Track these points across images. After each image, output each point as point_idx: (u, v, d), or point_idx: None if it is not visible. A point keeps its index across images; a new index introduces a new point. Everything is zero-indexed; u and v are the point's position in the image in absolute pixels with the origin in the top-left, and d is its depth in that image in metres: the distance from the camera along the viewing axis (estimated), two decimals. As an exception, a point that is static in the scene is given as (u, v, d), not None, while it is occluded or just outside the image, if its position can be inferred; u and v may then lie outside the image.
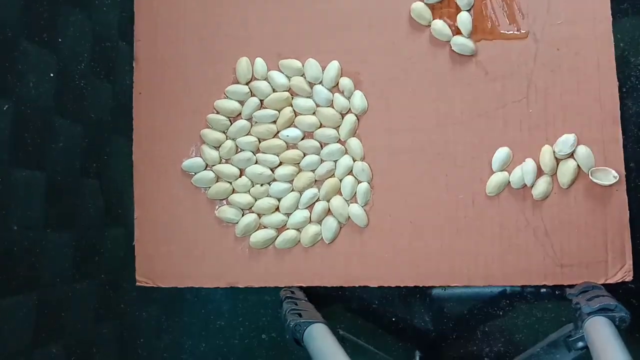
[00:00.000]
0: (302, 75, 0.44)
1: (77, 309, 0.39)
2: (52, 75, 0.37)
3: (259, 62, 0.45)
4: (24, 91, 0.35)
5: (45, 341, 0.36)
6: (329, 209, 0.43)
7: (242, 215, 0.44)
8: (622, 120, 0.42)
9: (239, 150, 0.44)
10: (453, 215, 0.42)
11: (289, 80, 0.44)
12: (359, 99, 0.44)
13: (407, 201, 0.43)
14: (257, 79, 0.45)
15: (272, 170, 0.44)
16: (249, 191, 0.44)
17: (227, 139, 0.44)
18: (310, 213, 0.43)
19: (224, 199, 0.44)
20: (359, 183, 0.43)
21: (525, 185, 0.42)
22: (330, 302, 0.44)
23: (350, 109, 0.44)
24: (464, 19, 0.43)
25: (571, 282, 0.41)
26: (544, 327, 0.42)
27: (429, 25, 0.44)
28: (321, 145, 0.44)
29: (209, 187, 0.44)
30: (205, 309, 0.44)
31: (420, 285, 0.42)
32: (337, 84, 0.44)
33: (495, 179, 0.42)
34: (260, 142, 0.44)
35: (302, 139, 0.44)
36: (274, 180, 0.44)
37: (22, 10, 0.35)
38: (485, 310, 0.43)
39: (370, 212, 0.43)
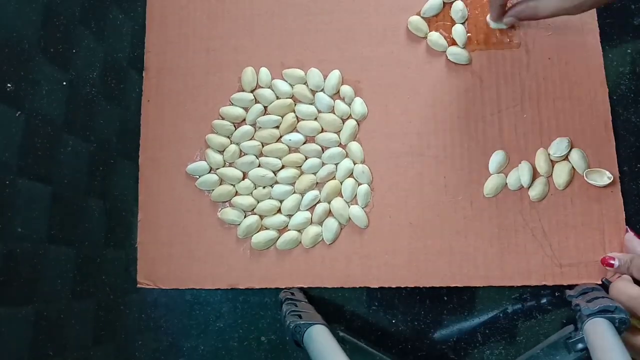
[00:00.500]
0: (304, 84, 0.46)
1: (76, 326, 0.39)
2: (63, 91, 0.38)
3: (264, 72, 0.47)
4: (36, 103, 0.36)
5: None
6: (330, 210, 0.44)
7: (245, 217, 0.45)
8: (615, 126, 0.44)
9: (243, 154, 0.46)
10: (452, 217, 0.43)
11: (292, 88, 0.46)
12: (359, 105, 0.45)
13: (407, 203, 0.44)
14: (262, 87, 0.47)
15: (275, 173, 0.45)
16: (251, 193, 0.45)
17: (231, 144, 0.46)
18: (312, 214, 0.44)
19: (226, 201, 0.45)
20: (359, 185, 0.44)
21: (522, 186, 0.43)
22: (330, 303, 0.44)
23: (350, 114, 0.46)
24: (458, 31, 0.45)
25: (570, 282, 0.41)
26: (544, 329, 0.42)
27: (426, 37, 0.46)
28: (322, 149, 0.45)
29: (213, 190, 0.45)
30: (205, 311, 0.44)
31: (420, 286, 0.42)
32: (338, 91, 0.46)
33: (493, 181, 0.43)
34: (263, 146, 0.45)
35: (304, 143, 0.45)
36: (276, 182, 0.45)
37: (40, 26, 0.36)
38: (486, 313, 0.43)
39: (371, 214, 0.44)
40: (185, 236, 0.45)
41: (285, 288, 0.43)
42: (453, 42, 0.46)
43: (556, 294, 0.42)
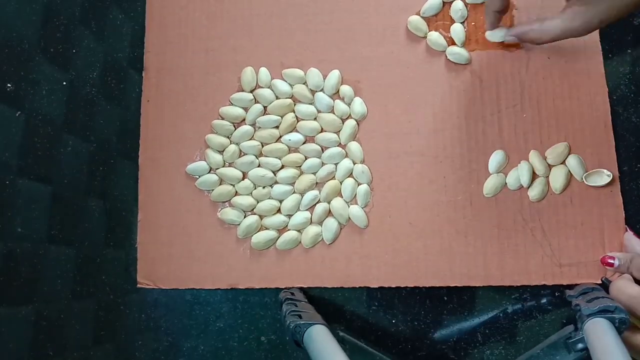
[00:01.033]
0: (304, 84, 0.46)
1: (76, 326, 0.38)
2: (63, 91, 0.38)
3: (263, 72, 0.47)
4: (36, 103, 0.36)
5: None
6: (330, 210, 0.44)
7: (244, 217, 0.45)
8: (615, 126, 0.43)
9: (243, 154, 0.46)
10: (452, 216, 0.43)
11: (292, 88, 0.46)
12: (358, 105, 0.45)
13: (407, 203, 0.44)
14: (261, 87, 0.47)
15: (275, 173, 0.45)
16: (251, 193, 0.45)
17: (231, 144, 0.46)
18: (311, 214, 0.44)
19: (226, 201, 0.45)
20: (359, 185, 0.44)
21: (522, 186, 0.43)
22: (330, 303, 0.44)
23: (350, 114, 0.46)
24: (457, 30, 0.45)
25: (570, 282, 0.41)
26: (544, 329, 0.42)
27: (425, 37, 0.46)
28: (322, 149, 0.45)
29: (213, 190, 0.45)
30: (205, 311, 0.44)
31: (420, 286, 0.42)
32: (338, 91, 0.46)
33: (492, 181, 0.43)
34: (263, 146, 0.45)
35: (304, 143, 0.45)
36: (276, 182, 0.45)
37: (40, 26, 0.36)
38: (486, 313, 0.43)
39: (370, 214, 0.44)
40: (185, 236, 0.45)
41: (285, 288, 0.43)
42: (453, 42, 0.46)
43: (556, 294, 0.42)
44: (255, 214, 0.45)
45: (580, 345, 0.35)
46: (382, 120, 0.45)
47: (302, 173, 0.45)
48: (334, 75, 0.46)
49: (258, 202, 0.45)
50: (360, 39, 0.47)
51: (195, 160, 0.46)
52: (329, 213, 0.44)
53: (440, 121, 0.45)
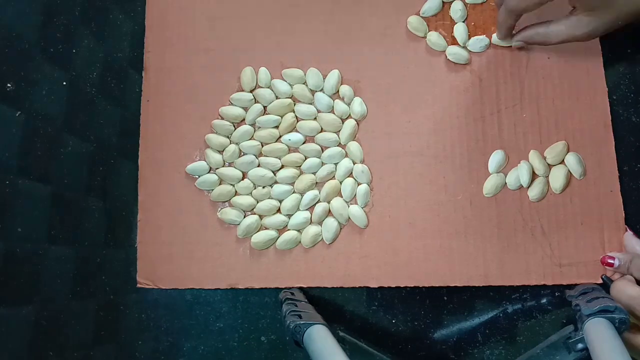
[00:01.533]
0: (304, 83, 0.46)
1: (76, 326, 0.38)
2: (63, 91, 0.38)
3: (263, 72, 0.47)
4: (36, 103, 0.36)
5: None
6: (330, 210, 0.44)
7: (244, 217, 0.45)
8: (615, 126, 0.43)
9: (242, 154, 0.46)
10: (452, 216, 0.43)
11: (292, 87, 0.46)
12: (358, 105, 0.45)
13: (406, 202, 0.44)
14: (261, 87, 0.47)
15: (274, 172, 0.45)
16: (251, 193, 0.45)
17: (230, 143, 0.46)
18: (311, 214, 0.44)
19: (226, 201, 0.45)
20: (358, 185, 0.44)
21: (522, 186, 0.43)
22: (330, 303, 0.44)
23: (350, 114, 0.46)
24: (460, 30, 0.46)
25: (570, 282, 0.41)
26: (544, 329, 0.42)
27: (425, 37, 0.46)
28: (322, 149, 0.45)
29: (212, 190, 0.45)
30: (205, 311, 0.44)
31: (420, 286, 0.42)
32: (338, 91, 0.46)
33: (492, 181, 0.43)
34: (263, 146, 0.45)
35: (304, 143, 0.45)
36: (276, 182, 0.45)
37: (40, 26, 0.36)
38: (486, 313, 0.43)
39: (370, 213, 0.44)
40: (185, 236, 0.45)
41: (285, 288, 0.43)
42: (452, 42, 0.46)
43: (556, 294, 0.42)
44: (255, 213, 0.45)
45: (580, 345, 0.35)
46: (382, 120, 0.45)
47: (302, 173, 0.45)
48: (334, 75, 0.46)
49: (258, 202, 0.45)
50: (360, 39, 0.47)
51: (195, 160, 0.46)
52: (328, 213, 0.44)
53: (440, 121, 0.45)
